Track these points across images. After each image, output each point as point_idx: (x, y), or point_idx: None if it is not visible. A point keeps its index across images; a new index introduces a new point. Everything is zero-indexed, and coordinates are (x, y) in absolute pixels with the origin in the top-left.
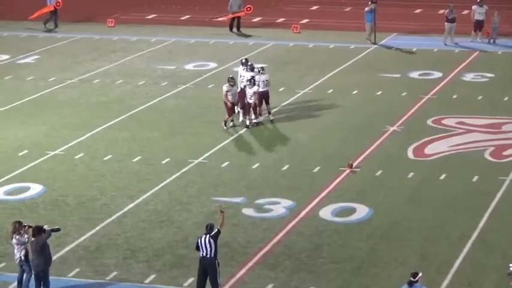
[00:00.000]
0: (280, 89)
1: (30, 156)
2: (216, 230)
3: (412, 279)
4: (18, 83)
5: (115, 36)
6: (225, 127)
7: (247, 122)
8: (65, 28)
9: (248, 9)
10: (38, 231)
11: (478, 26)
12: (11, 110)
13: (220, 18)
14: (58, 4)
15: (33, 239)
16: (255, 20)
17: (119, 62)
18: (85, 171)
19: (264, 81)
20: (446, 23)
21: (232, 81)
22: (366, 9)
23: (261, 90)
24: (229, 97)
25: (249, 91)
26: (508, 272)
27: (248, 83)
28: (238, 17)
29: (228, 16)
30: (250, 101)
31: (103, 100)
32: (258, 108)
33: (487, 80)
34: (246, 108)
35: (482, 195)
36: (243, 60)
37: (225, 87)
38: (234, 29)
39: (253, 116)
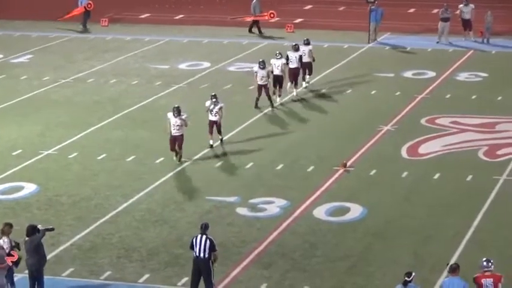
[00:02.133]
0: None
1: (24, 156)
2: (214, 251)
3: (406, 278)
4: (11, 82)
5: (108, 36)
6: (174, 158)
7: (211, 142)
8: (59, 27)
9: (271, 15)
10: (32, 230)
11: (466, 25)
12: (4, 109)
13: (241, 19)
14: (89, 5)
15: (27, 238)
16: (249, 19)
17: (112, 62)
18: (79, 171)
19: (275, 65)
20: (440, 22)
21: (176, 110)
22: None
23: (275, 74)
24: (172, 128)
25: (215, 108)
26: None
27: (214, 99)
28: (258, 20)
29: (248, 17)
30: (215, 118)
31: (97, 99)
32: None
33: (481, 79)
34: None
35: (476, 194)
36: (305, 41)
37: (168, 115)
38: (255, 30)
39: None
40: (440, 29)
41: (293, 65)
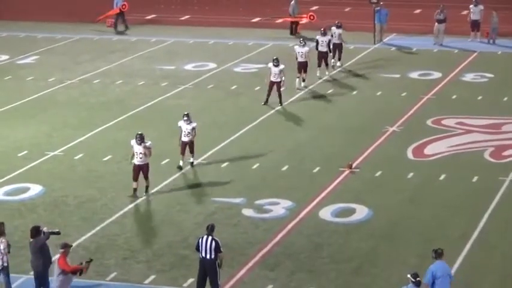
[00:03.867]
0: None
1: (30, 157)
2: (219, 252)
3: (419, 279)
4: (18, 83)
5: (114, 37)
6: (135, 189)
7: (181, 163)
8: (65, 28)
9: (311, 17)
10: (36, 232)
11: (475, 25)
12: (10, 110)
13: (280, 20)
14: (124, 6)
15: (31, 240)
16: (254, 20)
17: (118, 63)
18: (85, 172)
19: (299, 52)
20: (435, 24)
21: (139, 138)
22: None
23: (299, 61)
24: (135, 157)
25: (187, 127)
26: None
27: (186, 118)
28: (297, 22)
29: (287, 19)
30: (187, 139)
31: (103, 100)
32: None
33: (487, 80)
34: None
35: (482, 195)
36: (337, 24)
37: (132, 142)
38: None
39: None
40: (435, 30)
41: (323, 48)
